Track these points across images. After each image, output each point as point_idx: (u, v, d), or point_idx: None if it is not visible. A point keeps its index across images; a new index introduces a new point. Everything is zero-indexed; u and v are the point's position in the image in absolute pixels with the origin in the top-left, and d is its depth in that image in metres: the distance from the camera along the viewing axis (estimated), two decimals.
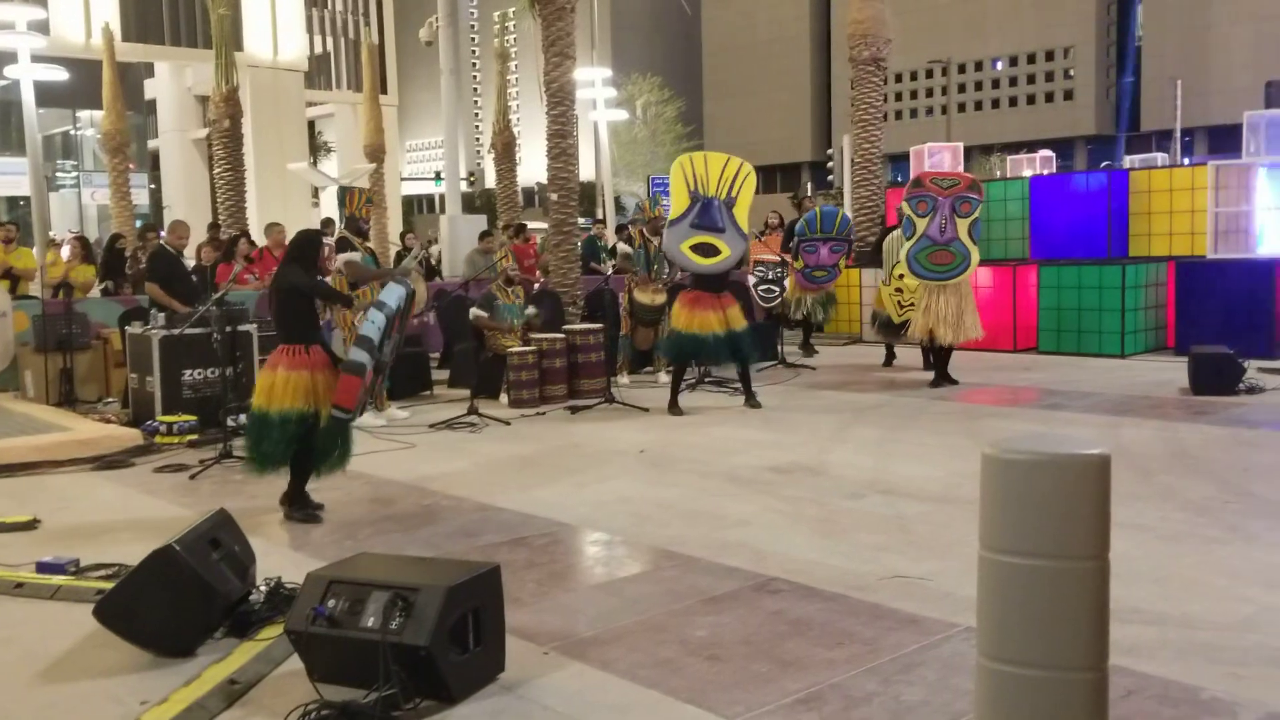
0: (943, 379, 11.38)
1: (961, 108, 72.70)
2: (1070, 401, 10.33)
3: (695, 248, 10.08)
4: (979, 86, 75.29)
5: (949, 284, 11.05)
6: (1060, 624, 2.87)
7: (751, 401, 10.45)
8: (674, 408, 10.19)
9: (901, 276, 11.90)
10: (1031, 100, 73.28)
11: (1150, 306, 13.87)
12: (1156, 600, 4.80)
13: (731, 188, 10.26)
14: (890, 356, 13.16)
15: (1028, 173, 27.77)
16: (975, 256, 11.09)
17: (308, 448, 6.50)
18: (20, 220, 23.93)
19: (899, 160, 35.20)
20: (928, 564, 5.42)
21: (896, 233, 12.22)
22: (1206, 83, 61.82)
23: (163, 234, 11.80)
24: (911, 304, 11.90)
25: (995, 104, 74.74)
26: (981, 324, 11.36)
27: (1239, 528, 5.96)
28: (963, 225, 10.96)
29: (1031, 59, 72.86)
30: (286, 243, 13.77)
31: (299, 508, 6.70)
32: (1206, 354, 10.64)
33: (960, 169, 17.57)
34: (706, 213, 10.09)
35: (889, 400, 10.71)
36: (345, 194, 10.53)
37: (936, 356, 11.56)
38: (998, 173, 46.16)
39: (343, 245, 10.08)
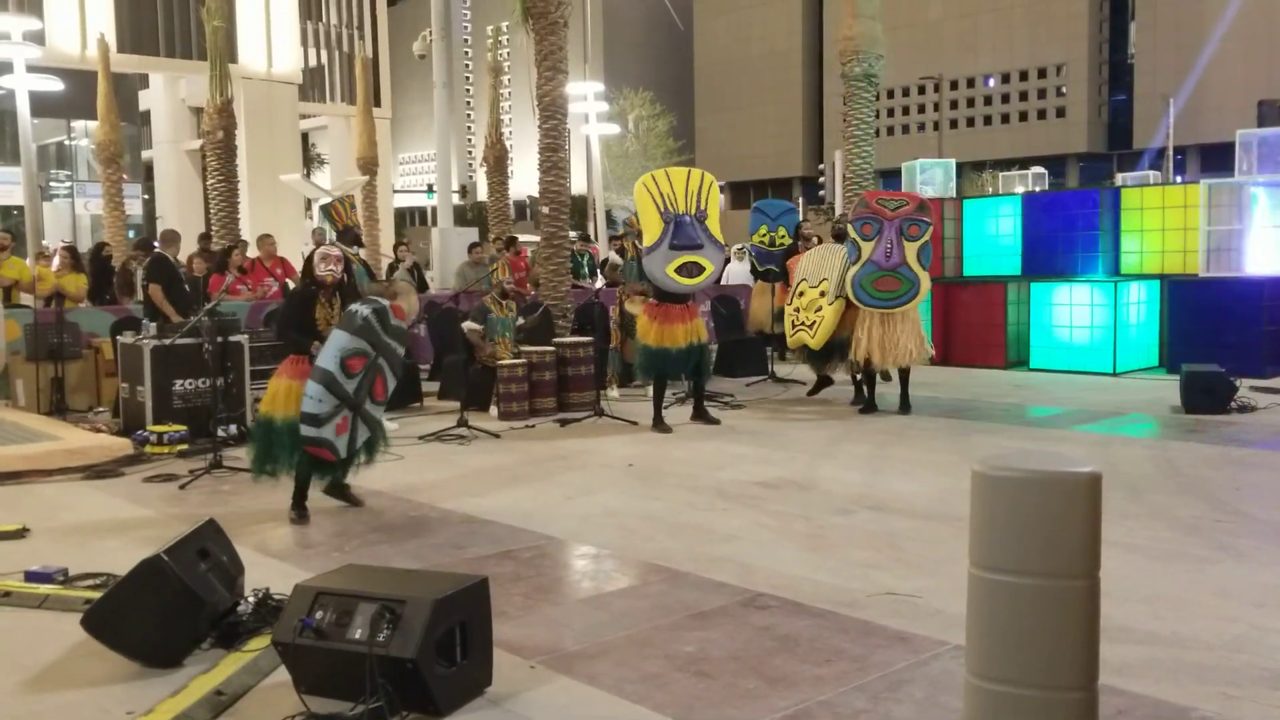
0: (903, 405, 10.76)
1: (953, 124, 72.84)
2: (1061, 419, 10.33)
3: (680, 269, 9.89)
4: (971, 103, 75.44)
5: (894, 311, 10.45)
6: (1050, 643, 2.86)
7: (704, 417, 10.34)
8: (660, 425, 10.09)
9: (801, 294, 11.14)
10: (1024, 117, 73.45)
11: (1142, 324, 13.90)
12: (1147, 619, 4.80)
13: (700, 201, 10.08)
14: (821, 383, 11.91)
15: (1020, 189, 27.88)
16: (925, 283, 10.50)
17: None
18: (14, 229, 23.90)
19: (891, 176, 35.28)
20: (917, 581, 5.41)
21: (808, 252, 11.61)
22: (1199, 101, 62.08)
23: (156, 244, 11.85)
24: (804, 324, 11.03)
25: (987, 120, 74.89)
26: (929, 346, 10.76)
27: (1229, 547, 5.96)
28: (911, 249, 10.38)
29: (1024, 76, 73.04)
30: (278, 253, 13.91)
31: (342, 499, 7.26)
32: (1198, 372, 10.66)
33: (952, 185, 17.62)
34: (682, 231, 9.88)
35: (878, 416, 10.69)
36: (331, 210, 10.52)
37: (901, 380, 10.91)
38: (989, 189, 46.28)
39: None
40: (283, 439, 6.71)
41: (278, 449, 6.76)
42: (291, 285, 13.77)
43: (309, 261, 7.12)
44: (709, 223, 10.11)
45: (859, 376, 11.20)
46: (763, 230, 13.94)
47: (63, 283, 13.13)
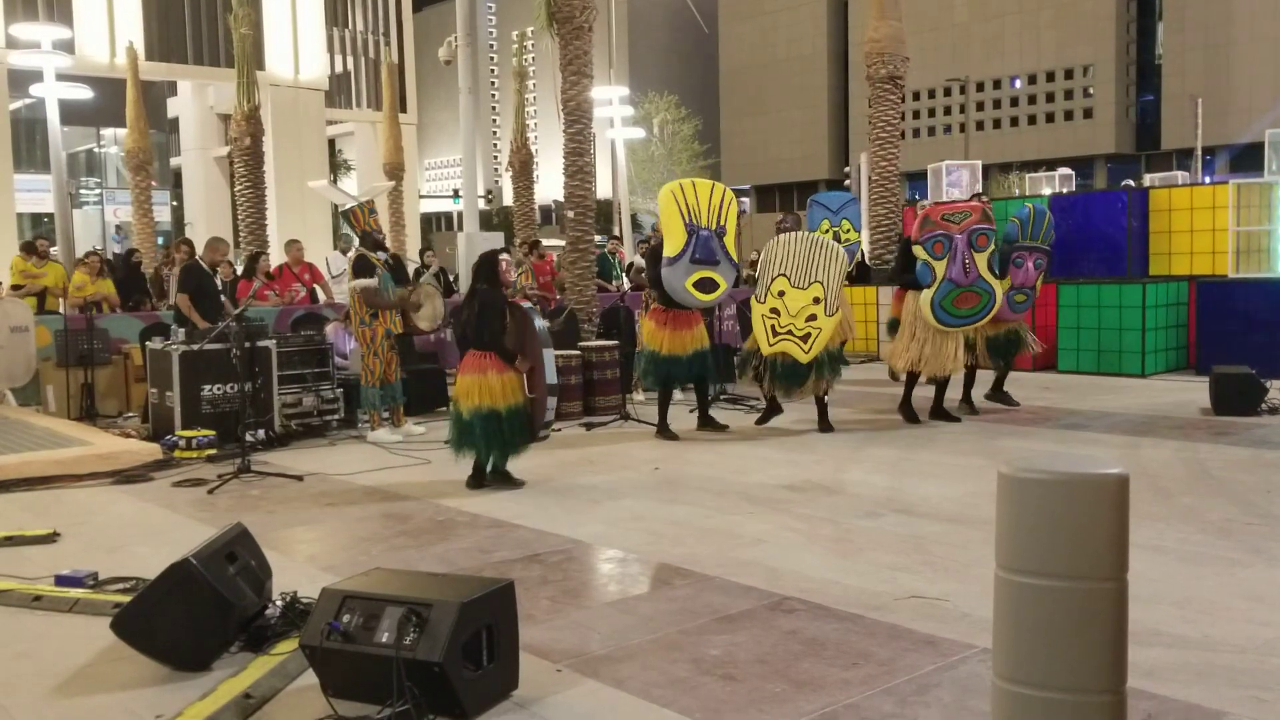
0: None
1: (980, 125, 72.54)
2: (1090, 421, 10.28)
3: (697, 284, 9.77)
4: (997, 104, 75.08)
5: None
6: (1078, 645, 2.84)
7: (711, 425, 10.25)
8: (665, 431, 10.01)
9: (782, 294, 9.96)
10: (1050, 118, 73.01)
11: (1171, 326, 13.81)
12: (1177, 622, 4.76)
13: (720, 216, 9.94)
14: (771, 410, 10.66)
15: (1047, 191, 27.70)
16: (999, 291, 10.28)
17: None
18: (45, 236, 24.10)
19: (916, 178, 35.17)
20: (945, 584, 5.39)
21: (781, 238, 10.34)
22: (1227, 101, 61.58)
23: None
24: (789, 331, 9.91)
25: (1014, 122, 74.51)
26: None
27: (1261, 550, 5.90)
28: (981, 260, 10.13)
29: (1050, 77, 72.63)
30: (304, 258, 13.98)
31: (502, 483, 7.95)
32: (1228, 374, 10.58)
33: (979, 187, 17.55)
34: (704, 246, 9.76)
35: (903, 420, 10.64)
36: (350, 215, 10.58)
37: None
38: (1016, 191, 46.07)
39: (361, 265, 10.10)
40: (471, 427, 7.60)
41: (464, 436, 7.67)
42: (319, 290, 13.88)
43: (492, 267, 7.77)
44: (726, 239, 9.97)
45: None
46: (824, 225, 12.60)
47: (94, 289, 13.24)
